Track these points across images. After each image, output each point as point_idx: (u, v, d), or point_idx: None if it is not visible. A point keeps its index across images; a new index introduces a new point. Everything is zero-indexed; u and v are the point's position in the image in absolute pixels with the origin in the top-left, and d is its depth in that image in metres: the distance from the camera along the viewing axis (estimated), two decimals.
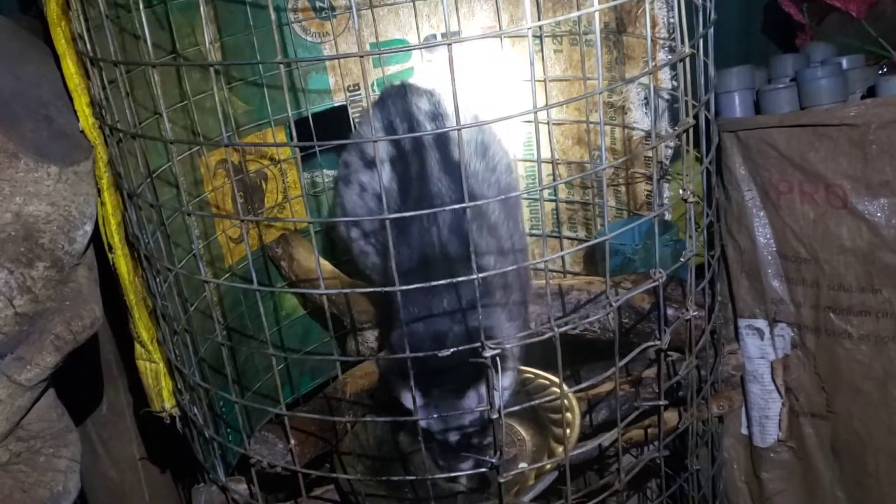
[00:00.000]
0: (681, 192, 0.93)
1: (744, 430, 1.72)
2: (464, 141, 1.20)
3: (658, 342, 0.95)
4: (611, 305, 0.88)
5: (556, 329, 0.86)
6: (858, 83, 1.60)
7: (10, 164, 1.03)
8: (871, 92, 1.56)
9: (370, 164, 1.26)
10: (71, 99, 1.11)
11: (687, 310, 0.99)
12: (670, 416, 1.12)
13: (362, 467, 1.14)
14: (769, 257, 1.61)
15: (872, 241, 1.48)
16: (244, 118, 1.47)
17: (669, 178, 1.43)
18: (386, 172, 1.23)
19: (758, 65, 1.73)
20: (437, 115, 1.27)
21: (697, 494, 1.17)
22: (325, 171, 1.62)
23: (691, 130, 1.00)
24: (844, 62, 1.67)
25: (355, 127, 1.53)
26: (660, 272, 0.92)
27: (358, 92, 1.56)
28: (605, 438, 1.02)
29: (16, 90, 1.08)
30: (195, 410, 1.19)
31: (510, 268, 1.09)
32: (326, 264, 1.52)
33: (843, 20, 1.88)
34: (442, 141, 1.22)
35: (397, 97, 1.32)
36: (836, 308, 1.55)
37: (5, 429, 1.05)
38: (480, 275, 0.84)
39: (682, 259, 0.96)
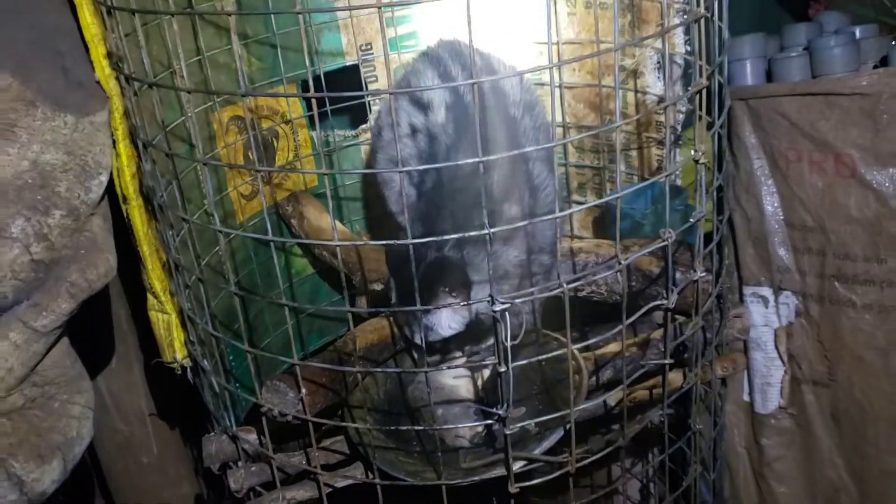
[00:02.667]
0: (692, 152, 0.94)
1: (745, 397, 1.74)
2: (511, 97, 1.22)
3: (665, 301, 0.96)
4: (619, 264, 0.89)
5: (565, 286, 0.87)
6: (871, 53, 1.60)
7: (28, 112, 1.04)
8: (883, 62, 1.56)
9: (424, 106, 1.27)
10: (87, 49, 1.12)
11: (695, 271, 1.00)
12: (675, 377, 1.13)
13: (371, 420, 1.16)
14: (776, 226, 1.63)
15: (880, 212, 1.49)
16: (258, 75, 1.47)
17: (681, 143, 1.43)
18: (442, 114, 1.24)
19: (770, 33, 1.73)
20: (491, 71, 1.28)
21: (697, 456, 1.18)
22: (336, 130, 1.63)
23: (704, 95, 1.01)
24: (858, 31, 1.67)
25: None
26: (669, 232, 0.93)
27: (370, 51, 1.57)
28: (610, 395, 1.03)
29: (33, 39, 1.09)
30: (206, 361, 1.21)
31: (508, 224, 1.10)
32: (337, 224, 1.53)
33: None
34: (497, 93, 1.25)
35: (451, 48, 1.32)
36: (841, 277, 1.56)
37: (21, 374, 1.07)
38: (492, 230, 0.85)
39: (690, 220, 0.97)
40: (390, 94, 0.85)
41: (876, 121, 1.47)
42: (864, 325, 1.55)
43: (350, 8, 1.46)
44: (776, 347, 1.67)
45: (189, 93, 0.98)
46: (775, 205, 1.63)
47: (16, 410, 1.07)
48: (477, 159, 0.82)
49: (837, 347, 1.59)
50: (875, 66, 1.57)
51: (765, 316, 1.67)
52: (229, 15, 0.79)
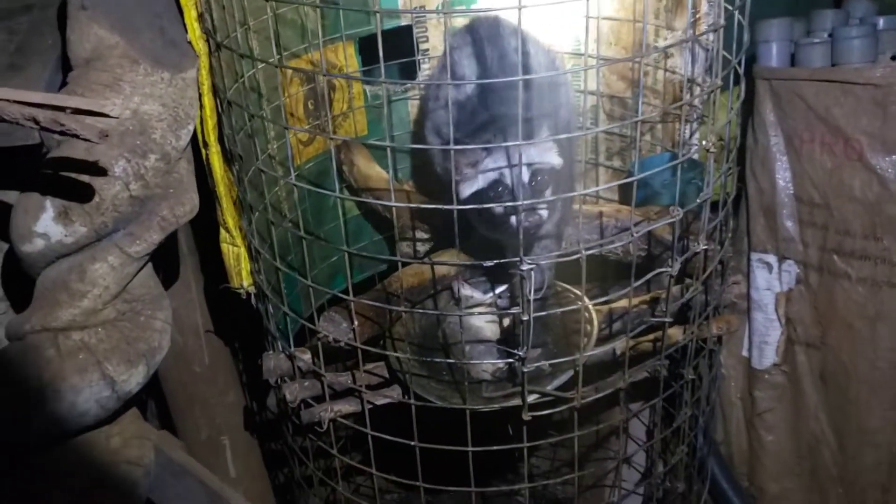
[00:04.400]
0: (703, 142, 1.08)
1: (744, 353, 1.90)
2: (537, 73, 1.36)
3: (669, 269, 1.12)
4: (632, 236, 1.05)
5: (583, 252, 1.03)
6: (891, 44, 1.70)
7: (132, 68, 1.20)
8: None
9: (459, 78, 1.41)
10: (181, 12, 1.27)
11: (698, 243, 1.15)
12: (675, 332, 1.29)
13: (409, 351, 1.34)
14: (786, 199, 1.76)
15: (881, 194, 1.63)
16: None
17: (701, 120, 1.56)
18: (470, 86, 1.38)
19: (804, 13, 1.81)
20: (524, 53, 1.41)
21: (691, 400, 1.35)
22: (387, 85, 1.76)
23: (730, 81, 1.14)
24: (881, 22, 1.75)
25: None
26: (677, 209, 1.08)
27: (424, 13, 1.69)
28: (618, 344, 1.20)
29: (136, 2, 1.24)
30: (270, 290, 1.38)
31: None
32: (382, 173, 1.68)
33: None
34: (525, 69, 1.36)
35: (490, 28, 1.44)
36: (840, 251, 1.70)
37: (115, 291, 1.25)
38: (526, 202, 1.01)
39: (698, 200, 1.11)
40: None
41: (885, 111, 1.59)
42: (856, 296, 1.70)
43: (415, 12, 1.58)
44: (776, 310, 1.82)
45: (280, 67, 1.11)
46: (787, 179, 1.75)
47: (109, 321, 1.26)
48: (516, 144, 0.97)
49: (831, 315, 1.74)
50: (893, 58, 1.68)
51: (768, 281, 1.82)
52: (314, 7, 0.94)
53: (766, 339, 1.85)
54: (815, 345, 1.79)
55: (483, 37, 1.44)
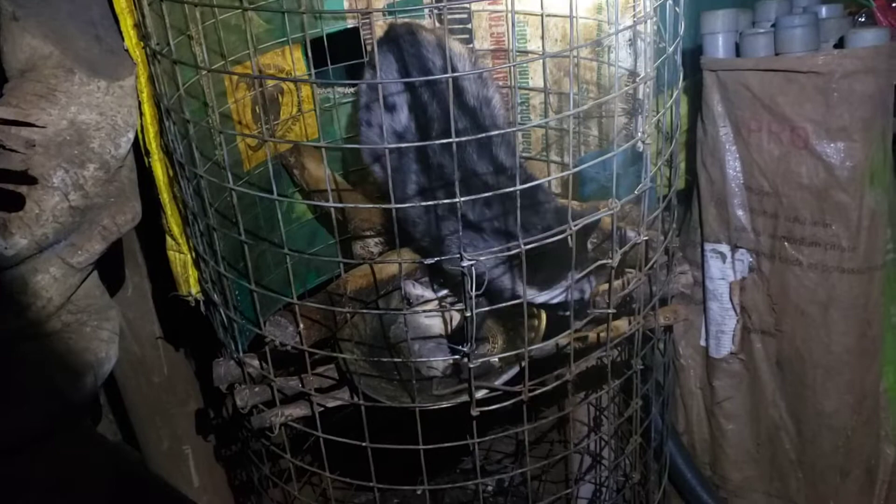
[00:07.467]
0: (639, 133, 1.09)
1: (702, 342, 1.92)
2: (469, 92, 1.36)
3: (610, 260, 1.13)
4: (570, 229, 1.05)
5: (522, 246, 1.04)
6: (832, 32, 1.73)
7: (67, 78, 1.19)
8: (841, 42, 1.69)
9: (390, 108, 1.39)
10: (116, 19, 1.26)
11: (638, 234, 1.16)
12: (621, 324, 1.30)
13: (358, 352, 1.34)
14: (736, 189, 1.78)
15: (827, 180, 1.65)
16: (265, 36, 1.60)
17: (646, 113, 1.57)
18: (404, 115, 1.37)
19: (747, 7, 1.83)
20: (452, 67, 1.40)
21: (643, 388, 1.37)
22: (336, 88, 1.76)
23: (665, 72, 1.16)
24: (824, 11, 1.78)
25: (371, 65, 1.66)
26: (615, 202, 1.09)
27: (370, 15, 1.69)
28: (561, 337, 1.21)
29: (70, 11, 1.24)
30: (216, 296, 1.38)
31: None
32: (335, 176, 1.68)
33: None
34: (456, 88, 1.36)
35: (411, 46, 1.42)
36: (791, 238, 1.72)
37: (59, 303, 1.24)
38: (459, 199, 1.01)
39: (635, 192, 1.13)
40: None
41: (828, 98, 1.61)
42: (808, 282, 1.72)
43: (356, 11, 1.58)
44: (730, 299, 1.84)
45: (208, 71, 1.11)
46: (737, 169, 1.77)
47: (55, 333, 1.25)
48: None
49: (784, 301, 1.76)
50: (835, 46, 1.70)
51: (722, 270, 1.83)
52: (244, 10, 0.94)
53: (723, 328, 1.87)
54: (770, 332, 1.81)
55: (409, 55, 1.43)
